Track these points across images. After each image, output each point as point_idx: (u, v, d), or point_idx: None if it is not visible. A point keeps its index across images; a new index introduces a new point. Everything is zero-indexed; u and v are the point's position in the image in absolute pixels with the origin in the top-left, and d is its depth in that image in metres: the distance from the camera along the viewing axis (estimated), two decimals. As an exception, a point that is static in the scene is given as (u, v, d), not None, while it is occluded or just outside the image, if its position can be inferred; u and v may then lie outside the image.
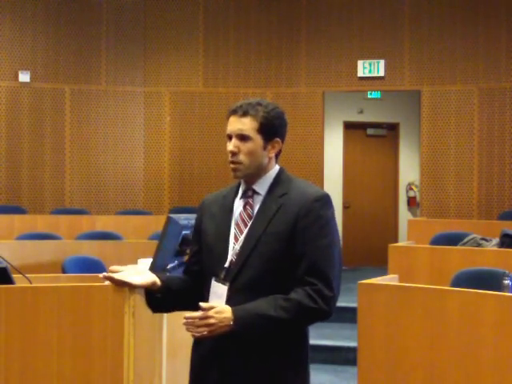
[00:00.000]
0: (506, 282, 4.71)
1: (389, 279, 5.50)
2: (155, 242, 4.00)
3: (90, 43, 10.74)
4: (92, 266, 6.03)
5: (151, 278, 2.50)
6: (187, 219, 3.96)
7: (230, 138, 2.51)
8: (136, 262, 4.41)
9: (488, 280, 5.21)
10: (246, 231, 2.44)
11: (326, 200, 2.43)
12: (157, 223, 7.64)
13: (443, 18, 10.47)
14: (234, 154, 2.47)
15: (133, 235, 8.75)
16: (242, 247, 2.42)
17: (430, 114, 10.52)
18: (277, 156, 2.53)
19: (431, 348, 4.55)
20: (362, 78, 10.71)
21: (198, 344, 2.45)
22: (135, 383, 3.94)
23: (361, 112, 12.21)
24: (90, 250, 6.97)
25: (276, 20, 10.89)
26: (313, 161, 10.59)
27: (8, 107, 10.42)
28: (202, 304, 2.34)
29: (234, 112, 2.47)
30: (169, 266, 4.05)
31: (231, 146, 2.48)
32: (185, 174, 10.94)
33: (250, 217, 2.46)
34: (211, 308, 2.32)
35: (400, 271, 6.21)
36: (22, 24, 10.49)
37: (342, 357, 6.73)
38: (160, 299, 2.52)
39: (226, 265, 2.43)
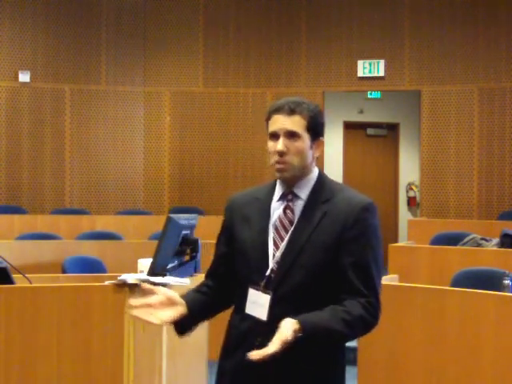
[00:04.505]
0: (506, 282, 4.71)
1: (389, 279, 5.50)
2: (155, 242, 4.00)
3: (89, 43, 10.74)
4: (92, 266, 6.04)
5: (178, 313, 2.32)
6: (187, 219, 3.96)
7: (274, 136, 2.34)
8: (136, 262, 4.41)
9: (488, 280, 5.21)
10: (287, 238, 2.31)
11: (372, 208, 2.33)
12: (157, 223, 7.62)
13: (443, 18, 10.47)
14: (282, 153, 2.31)
15: (133, 235, 8.74)
16: (284, 255, 2.30)
17: (430, 114, 10.52)
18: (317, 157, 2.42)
19: (431, 348, 4.55)
20: (361, 78, 10.71)
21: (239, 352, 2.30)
22: (135, 383, 3.94)
23: (361, 112, 12.21)
24: (90, 250, 6.97)
25: (276, 20, 10.89)
26: (313, 161, 10.57)
27: (8, 107, 10.42)
28: (276, 341, 2.11)
29: (278, 110, 2.33)
30: (169, 266, 4.05)
31: (280, 145, 2.31)
32: (185, 173, 10.94)
33: (290, 222, 2.33)
34: (280, 343, 2.12)
35: (400, 271, 6.21)
36: (21, 24, 10.49)
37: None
38: (186, 326, 2.38)
39: (267, 273, 2.31)
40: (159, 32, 10.96)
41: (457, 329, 4.48)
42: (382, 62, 10.60)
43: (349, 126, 12.21)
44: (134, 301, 2.29)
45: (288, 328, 2.13)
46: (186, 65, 10.97)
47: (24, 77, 10.42)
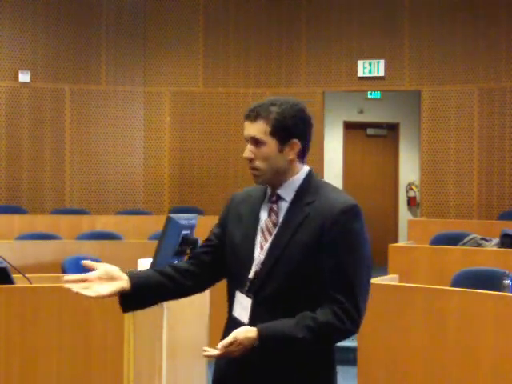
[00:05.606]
0: (506, 282, 4.71)
1: (389, 279, 5.51)
2: (155, 242, 4.00)
3: (89, 43, 10.74)
4: (92, 266, 6.02)
5: (117, 287, 2.31)
6: (187, 219, 3.95)
7: (247, 142, 2.37)
8: (136, 262, 4.41)
9: (488, 280, 5.21)
10: (270, 240, 2.32)
11: (354, 211, 2.28)
12: (157, 223, 7.63)
13: (443, 18, 10.47)
14: (250, 160, 2.34)
15: (133, 235, 8.74)
16: (266, 257, 2.30)
17: (430, 114, 10.52)
18: (302, 156, 2.37)
19: (431, 348, 4.55)
20: (361, 78, 10.71)
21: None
22: (135, 383, 3.94)
23: (361, 112, 12.21)
24: (90, 249, 6.97)
25: (276, 20, 10.89)
26: (313, 161, 10.58)
27: (8, 107, 10.42)
28: (219, 347, 2.20)
29: (246, 117, 2.35)
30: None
31: (246, 152, 2.35)
32: (185, 173, 10.94)
33: (274, 224, 2.34)
34: (231, 343, 2.19)
35: (400, 271, 6.21)
36: (21, 24, 10.49)
37: (342, 357, 6.71)
38: (130, 302, 2.38)
39: (251, 275, 2.32)
40: (159, 32, 10.96)
41: (457, 329, 4.48)
42: (381, 62, 10.60)
43: (349, 126, 12.21)
44: (69, 276, 2.30)
45: (237, 333, 2.19)
46: (186, 65, 10.97)
47: (24, 77, 10.41)
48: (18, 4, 10.48)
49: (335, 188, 2.40)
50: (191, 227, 4.01)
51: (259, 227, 2.37)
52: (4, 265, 4.29)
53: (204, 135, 10.86)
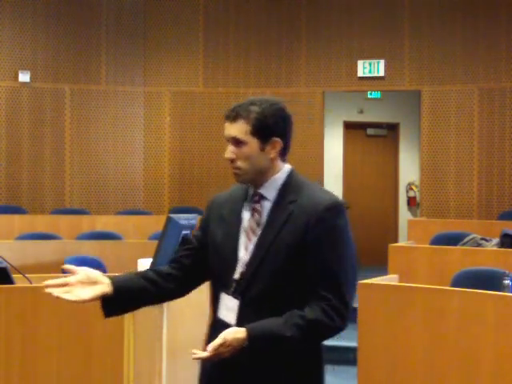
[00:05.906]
0: (506, 282, 4.71)
1: (389, 279, 5.51)
2: (155, 242, 4.00)
3: (89, 43, 10.74)
4: (92, 266, 5.99)
5: (99, 291, 2.33)
6: (187, 219, 3.95)
7: (228, 142, 2.37)
8: (136, 262, 4.41)
9: (488, 280, 5.21)
10: (254, 240, 2.31)
11: (338, 208, 2.28)
12: (157, 223, 7.63)
13: (443, 18, 10.47)
14: (231, 160, 2.36)
15: (133, 235, 8.75)
16: (252, 258, 2.30)
17: (430, 114, 10.52)
18: (283, 155, 2.37)
19: (431, 348, 4.55)
20: (361, 78, 10.71)
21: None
22: (135, 383, 3.94)
23: (361, 112, 12.21)
24: (90, 249, 6.97)
25: (276, 20, 10.89)
26: (313, 161, 10.59)
27: (8, 107, 10.42)
28: (209, 349, 2.19)
29: (226, 118, 2.35)
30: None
31: (227, 153, 2.36)
32: (185, 173, 10.94)
33: (258, 224, 2.33)
34: (221, 345, 2.18)
35: (400, 271, 6.22)
36: (21, 24, 10.49)
37: (342, 357, 6.73)
38: (112, 306, 2.37)
39: (236, 276, 2.31)
40: (159, 32, 10.96)
41: (457, 329, 4.48)
42: (381, 62, 10.60)
43: (349, 126, 12.21)
44: (50, 281, 2.31)
45: (226, 334, 2.17)
46: (186, 65, 10.98)
47: (24, 77, 10.41)
48: (17, 4, 10.48)
49: (318, 186, 2.40)
50: (191, 227, 4.01)
51: (242, 227, 2.36)
52: (4, 265, 4.29)
53: (204, 135, 10.87)
